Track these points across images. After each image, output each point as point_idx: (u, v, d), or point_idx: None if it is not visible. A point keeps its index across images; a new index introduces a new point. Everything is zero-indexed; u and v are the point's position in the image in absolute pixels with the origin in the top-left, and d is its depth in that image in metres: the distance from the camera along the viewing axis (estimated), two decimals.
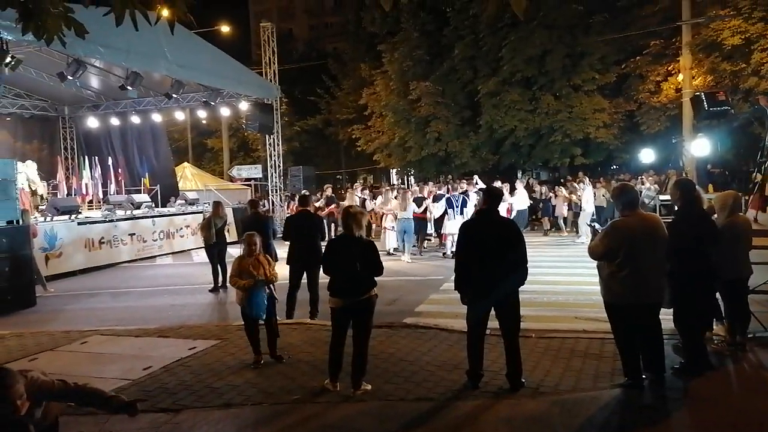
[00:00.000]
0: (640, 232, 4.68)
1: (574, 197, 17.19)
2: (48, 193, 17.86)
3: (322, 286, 6.91)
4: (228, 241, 11.40)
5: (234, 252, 12.41)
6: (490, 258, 4.90)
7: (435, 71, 25.67)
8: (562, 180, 22.63)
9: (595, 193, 16.78)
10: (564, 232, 17.77)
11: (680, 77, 20.45)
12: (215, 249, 10.69)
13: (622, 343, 4.94)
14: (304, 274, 7.87)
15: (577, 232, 17.14)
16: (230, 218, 19.26)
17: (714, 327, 6.01)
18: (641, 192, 15.75)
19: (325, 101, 36.43)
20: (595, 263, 5.06)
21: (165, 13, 3.35)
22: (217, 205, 10.97)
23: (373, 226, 17.43)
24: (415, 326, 7.18)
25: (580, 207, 16.50)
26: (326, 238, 8.35)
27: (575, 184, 18.02)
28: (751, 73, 18.31)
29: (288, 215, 11.15)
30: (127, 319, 8.66)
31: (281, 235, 8.69)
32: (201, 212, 17.03)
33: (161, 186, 20.37)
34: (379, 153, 29.36)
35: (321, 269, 7.41)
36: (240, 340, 6.75)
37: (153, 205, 18.02)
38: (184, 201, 18.86)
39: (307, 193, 10.69)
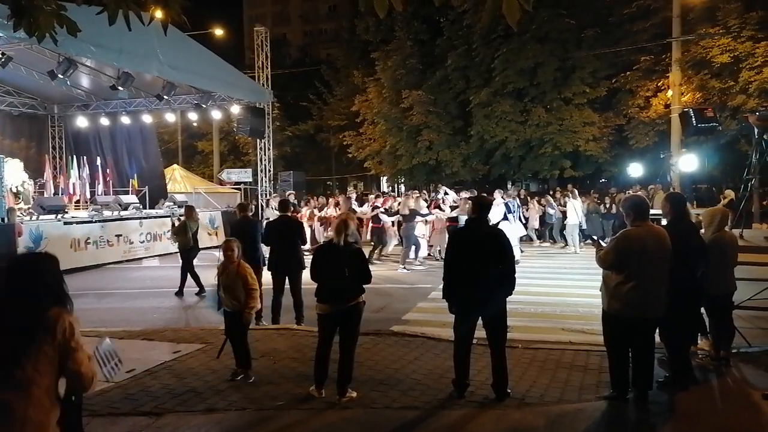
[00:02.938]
0: (650, 244, 4.66)
1: (549, 210, 17.48)
2: (35, 192, 17.68)
3: (306, 291, 6.88)
4: (217, 244, 11.28)
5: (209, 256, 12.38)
6: (478, 268, 4.90)
7: (427, 80, 25.81)
8: (551, 191, 22.73)
9: (585, 206, 17.03)
10: (536, 242, 18.04)
11: (669, 93, 20.67)
12: (192, 253, 10.58)
13: (614, 355, 4.93)
14: (287, 280, 7.85)
15: (558, 241, 17.67)
16: (219, 221, 19.28)
17: (699, 342, 6.05)
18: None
19: (317, 107, 36.43)
20: (583, 275, 5.09)
21: (158, 13, 3.34)
22: (190, 209, 10.86)
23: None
24: (402, 334, 7.16)
25: (564, 218, 16.97)
26: (306, 244, 8.37)
27: (549, 198, 18.29)
28: (739, 91, 18.59)
29: (268, 221, 11.08)
30: (112, 320, 8.57)
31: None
32: (170, 216, 16.52)
33: (150, 187, 20.23)
34: (369, 160, 29.40)
35: (303, 274, 7.47)
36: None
37: (141, 207, 17.88)
38: (172, 203, 18.75)
39: (288, 199, 10.64)
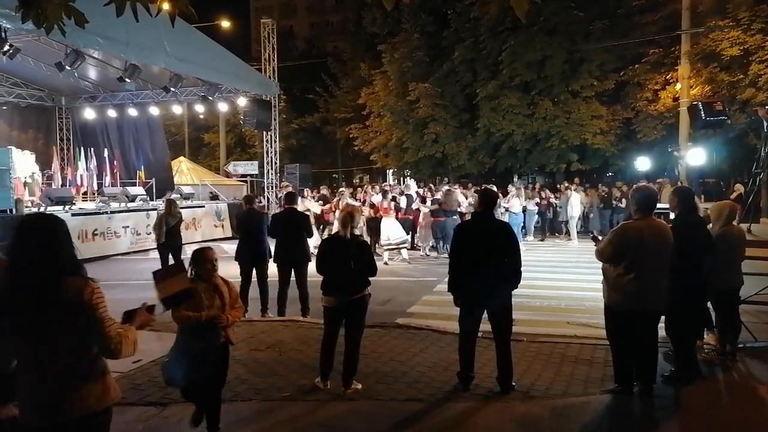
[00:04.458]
0: (649, 236, 4.63)
1: (529, 206, 17.54)
2: (43, 183, 17.78)
3: (311, 283, 6.89)
4: (223, 236, 11.24)
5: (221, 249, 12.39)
6: (484, 261, 4.89)
7: (434, 73, 25.69)
8: (558, 184, 22.68)
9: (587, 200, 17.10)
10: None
11: (678, 86, 20.51)
12: (166, 249, 10.50)
13: (617, 348, 4.92)
14: (293, 272, 7.88)
15: (563, 235, 17.95)
16: (225, 214, 19.33)
17: (705, 336, 6.03)
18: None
19: (323, 100, 36.40)
20: (589, 269, 5.08)
21: (166, 5, 3.33)
22: (170, 203, 10.82)
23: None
24: (408, 327, 7.18)
25: (563, 212, 17.33)
26: (312, 236, 8.43)
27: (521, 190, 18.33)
28: (748, 84, 18.40)
29: (274, 213, 11.02)
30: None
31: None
32: (155, 209, 16.02)
33: (156, 179, 20.32)
34: (376, 153, 29.37)
35: (308, 267, 7.48)
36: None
37: (148, 198, 17.95)
38: (179, 195, 18.81)
39: (295, 192, 10.62)
